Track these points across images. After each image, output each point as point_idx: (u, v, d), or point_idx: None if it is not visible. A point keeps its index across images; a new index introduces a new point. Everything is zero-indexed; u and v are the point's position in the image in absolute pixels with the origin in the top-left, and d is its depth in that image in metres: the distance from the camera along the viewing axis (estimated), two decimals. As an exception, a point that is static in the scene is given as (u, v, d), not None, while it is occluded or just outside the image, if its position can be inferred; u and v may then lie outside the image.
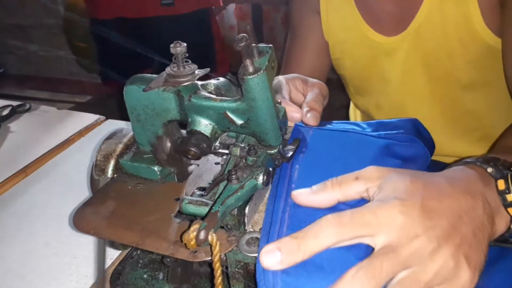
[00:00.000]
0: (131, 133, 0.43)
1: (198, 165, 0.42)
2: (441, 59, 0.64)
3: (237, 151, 0.36)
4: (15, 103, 0.82)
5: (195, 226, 0.29)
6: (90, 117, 0.78)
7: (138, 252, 0.45)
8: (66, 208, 0.54)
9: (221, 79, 0.39)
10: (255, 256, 0.31)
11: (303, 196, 0.33)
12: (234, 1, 1.68)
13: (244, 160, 0.36)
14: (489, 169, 0.34)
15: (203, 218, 0.31)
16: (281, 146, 0.37)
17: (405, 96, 0.71)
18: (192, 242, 0.28)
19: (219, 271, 0.30)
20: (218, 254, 0.29)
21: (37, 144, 0.71)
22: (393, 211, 0.28)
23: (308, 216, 0.31)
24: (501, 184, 0.33)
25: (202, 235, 0.28)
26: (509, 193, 0.33)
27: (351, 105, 0.90)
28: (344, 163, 0.38)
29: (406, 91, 0.70)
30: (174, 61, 0.37)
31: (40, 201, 0.59)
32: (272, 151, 0.37)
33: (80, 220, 0.36)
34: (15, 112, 0.79)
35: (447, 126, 0.69)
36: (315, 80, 0.53)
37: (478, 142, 0.70)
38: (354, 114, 0.90)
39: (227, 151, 0.38)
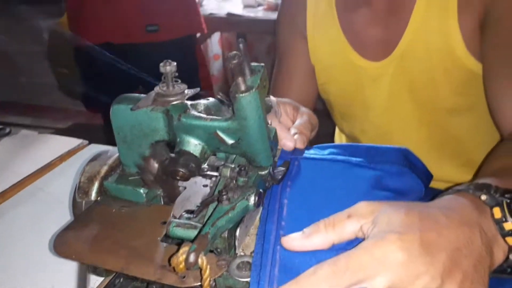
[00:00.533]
0: (116, 155, 0.42)
1: (185, 188, 0.41)
2: (425, 84, 0.65)
3: (227, 172, 0.35)
4: (-6, 127, 0.80)
5: (184, 249, 0.27)
6: (73, 141, 0.76)
7: (121, 279, 0.42)
8: (46, 233, 0.52)
9: (211, 99, 0.39)
10: (246, 281, 0.30)
11: (296, 241, 0.31)
12: (219, 29, 1.71)
13: (234, 181, 0.35)
14: (483, 197, 0.33)
15: (192, 241, 0.30)
16: (271, 167, 0.37)
17: (391, 121, 0.71)
18: (181, 266, 0.27)
19: (208, 299, 0.28)
20: (208, 279, 0.28)
21: (17, 167, 0.69)
22: (391, 247, 0.27)
23: (300, 256, 0.30)
24: (497, 213, 0.32)
25: (191, 258, 0.27)
26: (506, 221, 0.31)
27: (337, 130, 0.90)
28: (334, 197, 0.36)
29: (392, 116, 0.71)
30: (163, 80, 0.36)
31: (19, 226, 0.57)
32: (263, 172, 0.36)
33: (61, 244, 0.34)
34: (-5, 136, 0.77)
35: (433, 151, 0.70)
36: (305, 109, 0.53)
37: (464, 167, 0.70)
38: (340, 138, 0.90)
39: (216, 173, 0.37)
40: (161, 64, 0.35)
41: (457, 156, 0.70)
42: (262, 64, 0.33)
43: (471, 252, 0.29)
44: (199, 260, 0.27)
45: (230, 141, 0.34)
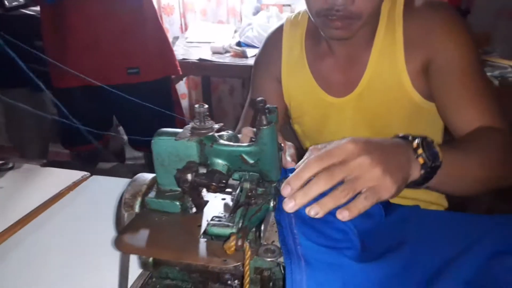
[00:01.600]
0: (151, 177, 0.52)
1: (208, 201, 0.52)
2: (381, 115, 0.80)
3: (247, 185, 0.47)
4: (-4, 162, 0.86)
5: (233, 237, 0.39)
6: (75, 174, 0.84)
7: (153, 279, 0.52)
8: (62, 259, 0.59)
9: (230, 131, 0.51)
10: (271, 261, 0.41)
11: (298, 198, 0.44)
12: (191, 72, 1.84)
13: (253, 191, 0.46)
14: (410, 137, 0.52)
15: (228, 237, 0.41)
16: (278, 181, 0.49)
17: None
18: (232, 248, 0.38)
19: (248, 272, 0.39)
20: (249, 258, 0.39)
21: (26, 199, 0.75)
22: (348, 144, 0.46)
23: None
24: (415, 144, 0.51)
25: (240, 242, 0.38)
26: (418, 149, 0.50)
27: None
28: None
29: None
30: (197, 117, 0.48)
31: (37, 252, 0.63)
32: (273, 185, 0.48)
33: (122, 244, 0.44)
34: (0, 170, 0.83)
35: None
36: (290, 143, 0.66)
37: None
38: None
39: (230, 190, 0.48)
40: (196, 105, 0.47)
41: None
42: (276, 106, 0.46)
43: (395, 156, 0.48)
44: (245, 244, 0.38)
45: (251, 161, 0.46)
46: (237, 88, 2.50)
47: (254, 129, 0.53)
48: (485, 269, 0.49)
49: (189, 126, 0.48)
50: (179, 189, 0.50)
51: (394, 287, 0.45)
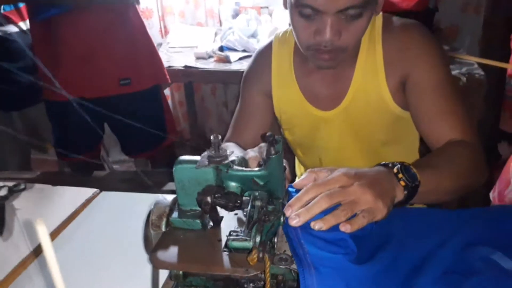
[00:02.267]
0: (171, 199, 0.60)
1: (223, 217, 0.60)
2: (365, 125, 0.89)
3: (259, 203, 0.55)
4: (8, 183, 0.91)
5: (255, 250, 0.47)
6: (86, 191, 0.90)
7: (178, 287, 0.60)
8: (88, 276, 0.65)
9: (239, 155, 0.59)
10: (284, 268, 0.49)
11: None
12: (177, 79, 1.89)
13: (264, 208, 0.55)
14: (390, 164, 0.61)
15: (250, 249, 0.49)
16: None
17: (341, 153, 0.95)
18: (255, 260, 0.46)
19: (268, 279, 0.48)
20: (269, 267, 0.47)
21: (47, 219, 0.80)
22: (342, 175, 0.55)
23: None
24: (395, 170, 0.60)
25: (261, 255, 0.46)
26: (398, 174, 0.59)
27: (296, 162, 1.13)
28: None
29: (342, 150, 0.94)
30: (212, 147, 0.55)
31: (64, 270, 0.69)
32: (279, 201, 0.57)
33: (157, 261, 0.51)
34: (13, 192, 0.89)
35: None
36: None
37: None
38: (299, 169, 1.13)
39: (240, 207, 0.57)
40: (212, 136, 0.55)
41: None
42: (281, 136, 0.54)
43: (382, 183, 0.56)
44: (265, 257, 0.47)
45: (261, 183, 0.54)
46: (219, 87, 2.57)
47: (258, 154, 0.61)
48: (461, 259, 0.59)
49: (205, 154, 0.56)
50: (198, 208, 0.57)
51: (385, 281, 0.54)
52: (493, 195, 1.07)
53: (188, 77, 1.75)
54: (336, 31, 0.71)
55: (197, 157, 0.57)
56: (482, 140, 1.81)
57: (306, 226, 0.52)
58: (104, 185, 0.93)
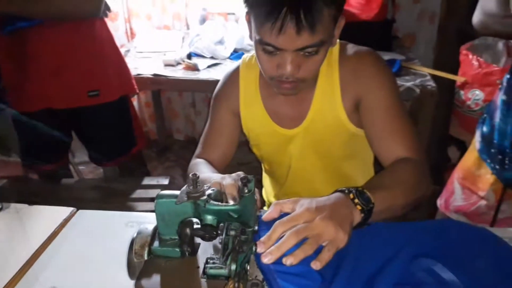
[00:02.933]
0: (151, 229, 0.65)
1: (199, 244, 0.66)
2: (324, 142, 0.97)
3: (233, 233, 0.62)
4: (-16, 204, 0.92)
5: (232, 281, 0.54)
6: (64, 210, 0.93)
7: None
8: None
9: (214, 188, 0.65)
10: (257, 292, 0.57)
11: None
12: (146, 87, 1.91)
13: (238, 238, 0.61)
14: (346, 191, 0.68)
15: (226, 276, 0.56)
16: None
17: (304, 167, 1.03)
18: (231, 289, 0.53)
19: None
20: (242, 294, 0.54)
21: (27, 240, 0.83)
22: (305, 211, 0.60)
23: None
24: (351, 196, 0.67)
25: (237, 285, 0.53)
26: (354, 199, 0.66)
27: (264, 174, 1.21)
28: None
29: (304, 164, 1.02)
30: (190, 183, 0.61)
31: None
32: (251, 229, 0.63)
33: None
34: (-10, 213, 0.90)
35: (331, 186, 1.01)
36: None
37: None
38: (266, 180, 1.20)
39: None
40: (191, 175, 0.61)
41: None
42: (253, 175, 0.61)
43: (341, 211, 0.63)
44: (240, 286, 0.53)
45: (235, 216, 0.61)
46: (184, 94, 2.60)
47: (234, 181, 0.67)
48: (408, 271, 0.68)
49: (184, 190, 0.62)
50: (177, 237, 0.64)
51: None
52: (440, 202, 1.19)
53: (157, 85, 1.78)
54: (295, 66, 0.78)
55: (177, 192, 0.63)
56: (433, 144, 1.95)
57: (277, 262, 0.58)
58: (74, 194, 0.95)
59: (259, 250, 0.57)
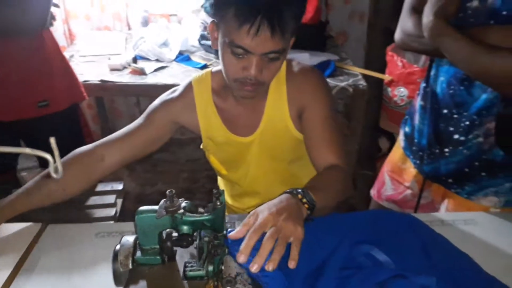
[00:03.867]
0: (132, 240, 0.73)
1: (176, 250, 0.75)
2: (276, 148, 1.10)
3: (207, 239, 0.72)
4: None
5: (211, 281, 0.64)
6: (33, 226, 0.97)
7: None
8: None
9: (188, 202, 0.74)
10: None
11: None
12: (94, 94, 1.88)
13: (212, 243, 0.72)
14: (295, 192, 0.80)
15: (203, 276, 0.66)
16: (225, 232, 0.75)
17: (258, 171, 1.14)
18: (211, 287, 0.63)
19: (220, 299, 0.65)
20: (220, 291, 0.65)
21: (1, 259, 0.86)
22: (268, 216, 0.71)
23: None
24: (299, 196, 0.79)
25: (216, 283, 0.64)
26: (302, 199, 0.79)
27: (219, 178, 1.31)
28: None
29: (259, 168, 1.14)
30: (168, 199, 0.70)
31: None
32: (221, 234, 0.74)
33: (132, 295, 0.66)
34: (-43, 234, 0.92)
35: (282, 186, 1.13)
36: None
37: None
38: (222, 182, 1.31)
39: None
40: (168, 191, 0.70)
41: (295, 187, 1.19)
42: (223, 189, 0.71)
43: (293, 210, 0.75)
44: (219, 284, 0.64)
45: (208, 225, 0.71)
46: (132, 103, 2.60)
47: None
48: (350, 256, 0.82)
49: (162, 205, 0.71)
50: (157, 246, 0.73)
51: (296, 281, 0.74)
52: (373, 192, 1.37)
53: (105, 91, 1.80)
54: (259, 69, 0.90)
55: (154, 207, 0.72)
56: (366, 137, 2.16)
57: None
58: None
59: (241, 260, 0.66)
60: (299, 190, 0.81)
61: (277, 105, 1.05)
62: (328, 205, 0.88)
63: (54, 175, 0.56)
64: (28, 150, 0.57)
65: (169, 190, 0.70)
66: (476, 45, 0.86)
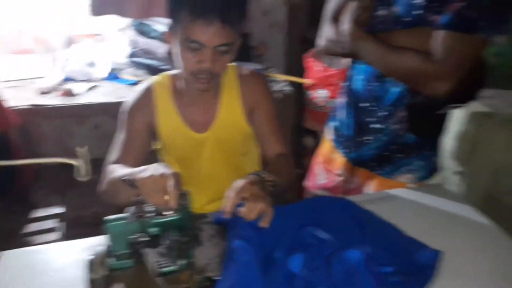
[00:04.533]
0: (103, 249, 0.78)
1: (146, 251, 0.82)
2: (229, 142, 1.20)
3: (176, 237, 0.79)
4: None
5: (185, 273, 0.72)
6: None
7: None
8: None
9: (153, 206, 0.81)
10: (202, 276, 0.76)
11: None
12: (19, 119, 1.82)
13: (181, 241, 0.79)
14: (262, 174, 0.95)
15: (176, 271, 0.73)
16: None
17: (213, 166, 1.22)
18: (187, 278, 0.71)
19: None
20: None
21: None
22: (246, 183, 0.89)
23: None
24: (263, 176, 0.96)
25: (190, 275, 0.71)
26: (266, 178, 0.96)
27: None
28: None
29: (213, 162, 1.22)
30: (136, 205, 0.77)
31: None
32: (190, 231, 0.82)
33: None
34: None
35: (233, 179, 1.15)
36: None
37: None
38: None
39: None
40: (136, 199, 0.76)
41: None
42: (189, 190, 0.79)
43: (264, 186, 0.93)
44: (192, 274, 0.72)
45: (176, 224, 0.79)
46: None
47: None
48: (298, 237, 0.93)
49: (132, 211, 0.77)
50: (128, 250, 0.78)
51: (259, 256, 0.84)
52: (307, 183, 1.52)
53: (36, 115, 1.76)
54: (213, 61, 1.01)
55: (120, 215, 0.78)
56: (293, 137, 2.32)
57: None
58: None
59: (226, 216, 0.84)
60: (264, 173, 0.97)
61: (230, 103, 1.18)
62: (284, 185, 1.04)
63: (79, 178, 0.65)
64: (56, 159, 0.64)
65: (138, 197, 0.77)
66: (385, 47, 1.04)
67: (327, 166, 1.40)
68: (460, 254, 0.92)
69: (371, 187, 1.27)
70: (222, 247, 0.88)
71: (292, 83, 2.12)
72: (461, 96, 1.10)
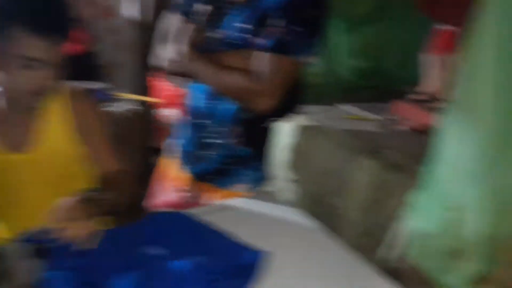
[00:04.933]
0: None
1: None
2: (52, 164, 1.13)
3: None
4: None
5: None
6: None
7: None
8: None
9: None
10: None
11: None
12: None
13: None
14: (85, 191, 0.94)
15: None
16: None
17: (35, 190, 1.13)
18: None
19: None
20: None
21: None
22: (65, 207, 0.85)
23: None
24: (90, 195, 0.94)
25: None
26: (93, 198, 0.94)
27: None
28: None
29: (34, 186, 1.12)
30: None
31: None
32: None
33: None
34: None
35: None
36: None
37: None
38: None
39: None
40: None
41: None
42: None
43: (86, 208, 0.87)
44: None
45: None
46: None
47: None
48: (129, 256, 0.92)
49: None
50: None
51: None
52: (153, 202, 1.53)
53: None
54: (45, 77, 0.99)
55: None
56: (141, 154, 2.29)
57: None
58: None
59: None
60: (91, 190, 0.95)
61: (58, 125, 1.13)
62: (122, 202, 1.05)
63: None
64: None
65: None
66: (215, 67, 1.14)
67: (175, 183, 1.44)
68: (287, 254, 1.01)
69: (214, 199, 1.36)
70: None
71: (141, 102, 2.12)
72: (281, 111, 1.26)
